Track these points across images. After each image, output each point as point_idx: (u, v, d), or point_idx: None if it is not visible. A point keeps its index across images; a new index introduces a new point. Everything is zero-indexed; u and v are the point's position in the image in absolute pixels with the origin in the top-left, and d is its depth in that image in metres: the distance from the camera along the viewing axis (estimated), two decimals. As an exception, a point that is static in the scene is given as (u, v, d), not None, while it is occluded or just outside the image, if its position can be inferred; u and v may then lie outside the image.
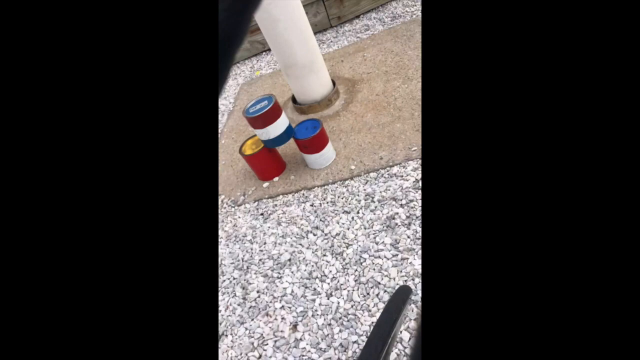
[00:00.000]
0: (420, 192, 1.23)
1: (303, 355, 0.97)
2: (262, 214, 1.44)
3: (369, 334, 0.94)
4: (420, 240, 1.10)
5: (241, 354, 1.03)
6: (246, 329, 1.09)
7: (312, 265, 1.17)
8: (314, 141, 1.40)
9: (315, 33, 2.35)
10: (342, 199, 1.34)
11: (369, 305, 1.01)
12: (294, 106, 1.89)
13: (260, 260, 1.27)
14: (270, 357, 1.00)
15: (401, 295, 0.64)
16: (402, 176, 1.31)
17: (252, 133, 1.76)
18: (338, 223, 1.26)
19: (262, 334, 1.06)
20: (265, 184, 1.55)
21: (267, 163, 1.52)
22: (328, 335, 0.99)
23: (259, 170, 1.55)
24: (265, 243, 1.32)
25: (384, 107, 1.65)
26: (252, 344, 1.05)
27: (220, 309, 1.17)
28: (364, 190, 1.33)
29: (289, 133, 1.43)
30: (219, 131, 2.06)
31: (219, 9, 0.19)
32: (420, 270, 1.03)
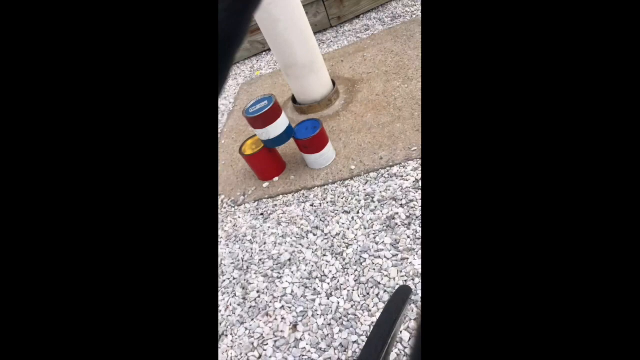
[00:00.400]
0: (420, 192, 1.23)
1: (303, 355, 0.97)
2: (262, 214, 1.44)
3: (369, 334, 0.94)
4: (420, 240, 1.10)
5: (241, 354, 1.03)
6: (246, 329, 1.09)
7: (312, 265, 1.17)
8: (314, 141, 1.40)
9: (315, 33, 2.35)
10: (342, 199, 1.34)
11: (369, 305, 1.01)
12: (294, 106, 1.89)
13: (260, 260, 1.27)
14: (270, 357, 1.00)
15: (401, 295, 0.64)
16: (402, 176, 1.31)
17: (252, 133, 1.76)
18: (338, 223, 1.26)
19: (262, 334, 1.06)
20: (265, 184, 1.55)
21: (267, 163, 1.52)
22: (328, 335, 0.98)
23: (259, 170, 1.55)
24: (265, 243, 1.32)
25: (384, 107, 1.65)
26: (252, 344, 1.05)
27: (220, 309, 1.17)
28: (364, 190, 1.33)
29: (289, 133, 1.43)
30: (219, 131, 2.06)
31: (219, 9, 0.19)
32: (420, 270, 1.03)
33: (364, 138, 1.55)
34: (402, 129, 1.50)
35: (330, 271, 1.13)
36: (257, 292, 1.18)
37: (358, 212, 1.26)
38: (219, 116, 2.21)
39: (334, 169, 1.47)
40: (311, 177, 1.48)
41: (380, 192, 1.29)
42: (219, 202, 1.57)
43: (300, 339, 1.01)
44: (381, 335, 0.55)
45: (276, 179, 1.55)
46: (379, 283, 1.04)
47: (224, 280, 1.26)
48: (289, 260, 1.22)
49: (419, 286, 1.00)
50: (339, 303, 1.04)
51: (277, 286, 1.16)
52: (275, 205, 1.45)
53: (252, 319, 1.11)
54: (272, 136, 1.40)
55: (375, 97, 1.74)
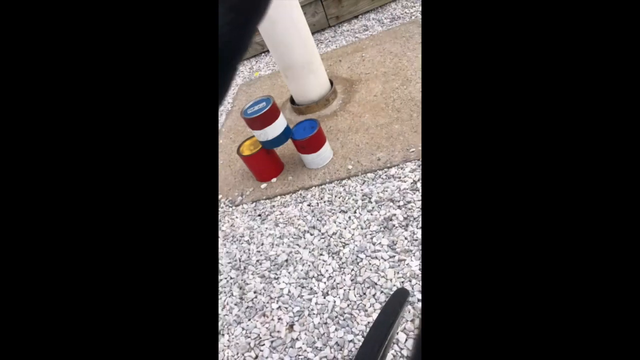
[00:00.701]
0: (418, 193, 1.24)
1: (299, 355, 0.97)
2: (259, 215, 1.44)
3: (365, 333, 0.94)
4: (417, 242, 1.11)
5: (237, 353, 1.04)
6: (243, 328, 1.09)
7: (309, 265, 1.18)
8: (312, 141, 1.41)
9: (313, 33, 2.35)
10: (339, 198, 1.34)
11: (365, 305, 1.01)
12: (292, 107, 1.89)
13: (257, 261, 1.27)
14: (267, 357, 1.00)
15: (398, 298, 0.64)
16: (399, 177, 1.31)
17: (250, 134, 1.76)
18: (335, 222, 1.26)
19: (258, 334, 1.06)
20: (263, 185, 1.55)
21: (265, 164, 1.53)
22: (324, 334, 0.99)
23: (257, 171, 1.56)
24: (262, 244, 1.32)
25: (382, 108, 1.65)
26: (249, 344, 1.05)
27: (217, 308, 1.17)
28: (361, 190, 1.33)
29: (287, 134, 1.43)
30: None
31: (221, 23, 0.19)
32: (417, 272, 1.03)
33: (362, 138, 1.55)
34: (401, 130, 1.50)
35: (327, 270, 1.13)
36: (255, 292, 1.18)
37: (355, 212, 1.27)
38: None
39: (331, 168, 1.47)
40: (309, 177, 1.49)
41: (378, 192, 1.29)
42: (217, 202, 1.57)
43: (297, 339, 1.01)
44: (378, 337, 0.55)
45: (274, 179, 1.56)
46: (376, 284, 1.05)
47: (221, 280, 1.26)
48: (286, 261, 1.23)
49: (416, 287, 1.00)
50: (335, 302, 1.05)
51: (274, 287, 1.17)
52: (273, 206, 1.45)
53: (249, 319, 1.11)
54: (270, 137, 1.40)
55: (374, 97, 1.75)
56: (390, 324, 0.57)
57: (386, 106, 1.66)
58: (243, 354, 1.03)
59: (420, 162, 1.33)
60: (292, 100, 1.91)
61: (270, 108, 1.35)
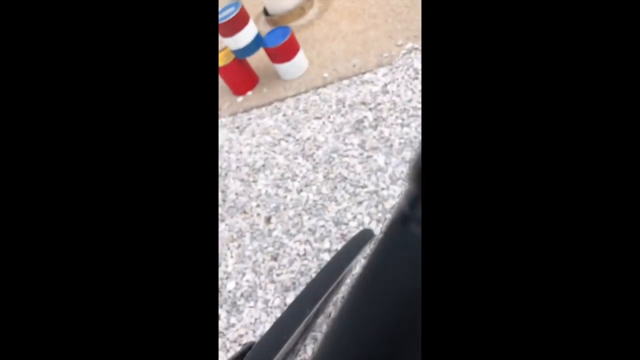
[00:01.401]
0: (387, 95, 1.26)
1: (275, 241, 1.08)
2: (237, 127, 1.47)
3: (334, 220, 1.04)
4: (384, 140, 1.16)
5: (222, 245, 1.15)
6: (226, 224, 1.19)
7: (285, 168, 1.24)
8: (284, 49, 1.38)
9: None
10: (314, 106, 1.36)
11: (336, 197, 1.10)
12: (266, 19, 1.80)
13: (237, 167, 1.33)
14: (248, 245, 1.11)
15: (359, 241, 0.65)
16: (372, 82, 1.32)
17: (222, 45, 1.70)
18: (309, 129, 1.30)
19: (240, 228, 1.16)
20: (240, 99, 1.55)
21: (239, 76, 1.51)
22: (298, 223, 1.09)
23: (233, 84, 1.54)
24: (241, 152, 1.37)
25: (359, 15, 1.59)
26: (232, 236, 1.15)
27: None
28: (336, 96, 1.35)
29: (257, 42, 1.39)
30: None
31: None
32: (382, 166, 1.10)
33: (338, 46, 1.51)
34: (376, 36, 1.46)
35: (301, 171, 1.20)
36: (236, 194, 1.26)
37: (329, 117, 1.30)
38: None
39: (306, 78, 1.46)
40: (283, 89, 1.48)
41: (351, 97, 1.31)
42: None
43: (273, 229, 1.11)
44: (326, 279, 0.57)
45: (250, 93, 1.55)
46: (346, 178, 1.12)
47: (204, 187, 1.33)
48: (263, 165, 1.29)
49: (381, 179, 1.08)
50: (308, 197, 1.13)
51: (252, 189, 1.24)
52: (250, 118, 1.47)
53: (232, 217, 1.20)
54: (241, 45, 1.36)
55: (351, 4, 1.66)
56: (344, 266, 0.59)
57: (363, 12, 1.59)
58: (227, 244, 1.14)
59: (391, 67, 1.33)
60: (265, 12, 1.81)
61: (239, 12, 1.29)
